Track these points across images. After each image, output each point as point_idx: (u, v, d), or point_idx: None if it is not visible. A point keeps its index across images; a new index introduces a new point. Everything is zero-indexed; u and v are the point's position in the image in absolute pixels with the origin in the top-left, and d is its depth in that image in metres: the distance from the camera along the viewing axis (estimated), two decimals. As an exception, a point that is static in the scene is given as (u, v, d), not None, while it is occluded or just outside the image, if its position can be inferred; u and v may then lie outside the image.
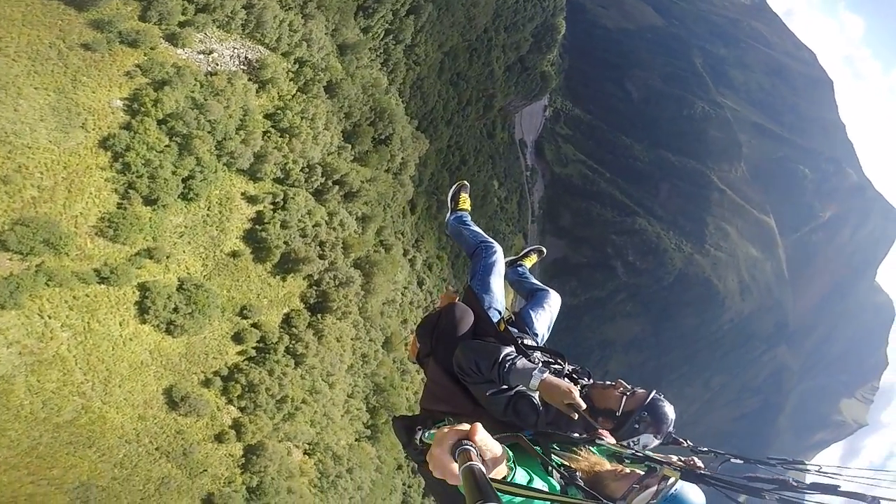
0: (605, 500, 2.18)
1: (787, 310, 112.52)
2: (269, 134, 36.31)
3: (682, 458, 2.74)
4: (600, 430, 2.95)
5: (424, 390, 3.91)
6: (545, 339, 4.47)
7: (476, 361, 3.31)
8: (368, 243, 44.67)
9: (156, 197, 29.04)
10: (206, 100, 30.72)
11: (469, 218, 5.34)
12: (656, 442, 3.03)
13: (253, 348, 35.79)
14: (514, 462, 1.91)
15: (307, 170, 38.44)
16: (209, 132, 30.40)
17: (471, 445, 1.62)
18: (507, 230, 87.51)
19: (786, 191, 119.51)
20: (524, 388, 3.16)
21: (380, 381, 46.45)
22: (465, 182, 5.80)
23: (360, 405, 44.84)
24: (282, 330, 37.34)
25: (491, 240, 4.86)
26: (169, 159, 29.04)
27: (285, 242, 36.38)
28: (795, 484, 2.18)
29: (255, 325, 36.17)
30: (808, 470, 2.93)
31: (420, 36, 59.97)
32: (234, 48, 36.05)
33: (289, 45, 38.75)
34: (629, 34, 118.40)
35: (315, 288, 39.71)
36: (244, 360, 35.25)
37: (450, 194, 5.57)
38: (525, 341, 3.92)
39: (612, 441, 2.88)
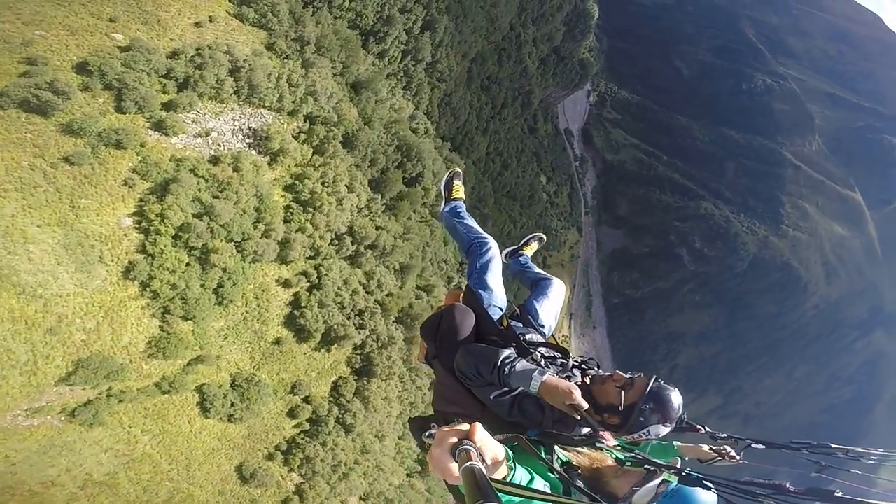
0: (604, 502, 2.02)
1: (882, 292, 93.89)
2: (290, 209, 33.08)
3: (714, 448, 2.88)
4: (601, 433, 2.77)
5: (434, 392, 3.77)
6: (552, 329, 4.14)
7: (476, 366, 3.17)
8: (408, 294, 40.94)
9: (192, 315, 27.89)
10: (214, 197, 27.62)
11: (464, 209, 4.95)
12: (666, 429, 2.78)
13: (307, 421, 35.57)
14: (513, 462, 1.86)
15: (336, 241, 34.98)
16: (226, 238, 27.55)
17: (471, 445, 1.56)
18: (558, 225, 79.50)
19: (871, 163, 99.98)
20: (526, 389, 2.97)
21: (431, 417, 44.64)
22: (458, 169, 5.34)
23: (412, 443, 43.09)
24: (331, 401, 36.27)
25: (485, 235, 4.52)
26: (194, 276, 27.06)
27: (324, 322, 34.02)
28: (792, 489, 2.20)
29: (305, 400, 35.63)
30: (834, 453, 2.65)
31: (440, 51, 52.90)
32: (234, 120, 31.60)
33: (293, 102, 34.14)
34: (667, 8, 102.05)
35: (359, 352, 37.38)
36: (300, 434, 35.14)
37: (442, 183, 5.14)
38: (527, 337, 3.70)
39: (613, 443, 2.76)
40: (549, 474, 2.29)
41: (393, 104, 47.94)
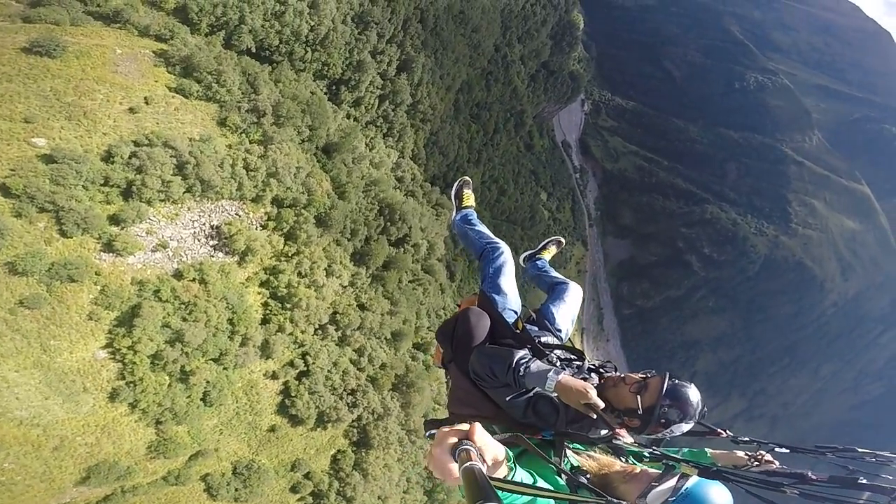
0: (610, 498, 1.94)
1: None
2: (267, 306, 32.19)
3: (749, 453, 2.84)
4: (617, 430, 2.67)
5: (450, 395, 3.67)
6: (569, 334, 4.04)
7: (491, 367, 3.11)
8: (402, 360, 40.00)
9: (185, 421, 28.69)
10: (183, 320, 27.02)
11: (475, 216, 4.86)
12: (688, 426, 2.69)
13: (309, 495, 36.16)
14: (514, 462, 1.82)
15: (320, 331, 34.15)
16: (202, 358, 27.18)
17: (470, 445, 1.54)
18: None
19: (874, 154, 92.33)
20: (541, 390, 2.94)
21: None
22: (468, 178, 5.20)
23: (417, 494, 43.03)
24: (331, 475, 36.54)
25: (497, 240, 4.49)
26: (178, 393, 27.39)
27: (316, 407, 33.75)
28: (814, 478, 2.13)
29: (306, 476, 35.98)
30: (861, 457, 2.59)
31: (420, 90, 50.03)
32: (192, 221, 28.51)
33: (255, 187, 31.01)
34: (651, 10, 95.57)
35: (355, 426, 37.05)
36: (305, 510, 35.51)
37: (452, 192, 5.06)
38: (543, 339, 3.62)
39: (630, 440, 2.69)
40: (556, 477, 2.24)
41: (372, 159, 45.82)
